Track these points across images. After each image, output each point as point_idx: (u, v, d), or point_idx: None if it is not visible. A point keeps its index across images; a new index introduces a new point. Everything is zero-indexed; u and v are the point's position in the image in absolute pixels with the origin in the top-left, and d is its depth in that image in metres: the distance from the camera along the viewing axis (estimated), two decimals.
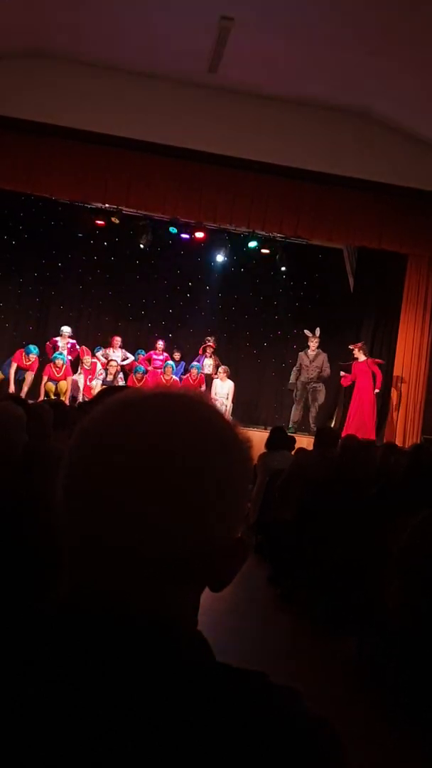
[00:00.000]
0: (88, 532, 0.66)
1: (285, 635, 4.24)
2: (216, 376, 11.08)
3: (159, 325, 12.31)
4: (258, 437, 7.62)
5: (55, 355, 10.67)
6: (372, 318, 11.65)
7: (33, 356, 10.55)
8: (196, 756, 0.59)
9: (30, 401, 6.70)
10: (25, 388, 10.40)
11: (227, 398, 10.87)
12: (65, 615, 0.65)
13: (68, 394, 10.50)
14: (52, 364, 10.57)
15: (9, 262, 11.94)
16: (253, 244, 11.55)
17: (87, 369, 10.91)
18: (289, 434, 7.70)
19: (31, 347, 10.61)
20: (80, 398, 10.33)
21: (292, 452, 6.74)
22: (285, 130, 9.19)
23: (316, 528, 4.48)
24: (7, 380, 10.46)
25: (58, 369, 10.55)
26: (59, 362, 10.55)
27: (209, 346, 11.46)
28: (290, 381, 11.16)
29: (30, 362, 10.53)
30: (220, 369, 11.13)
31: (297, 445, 7.16)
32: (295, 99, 9.05)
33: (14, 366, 10.52)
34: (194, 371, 11.04)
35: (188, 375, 11.09)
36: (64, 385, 10.57)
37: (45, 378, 10.53)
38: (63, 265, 12.17)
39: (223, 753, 0.59)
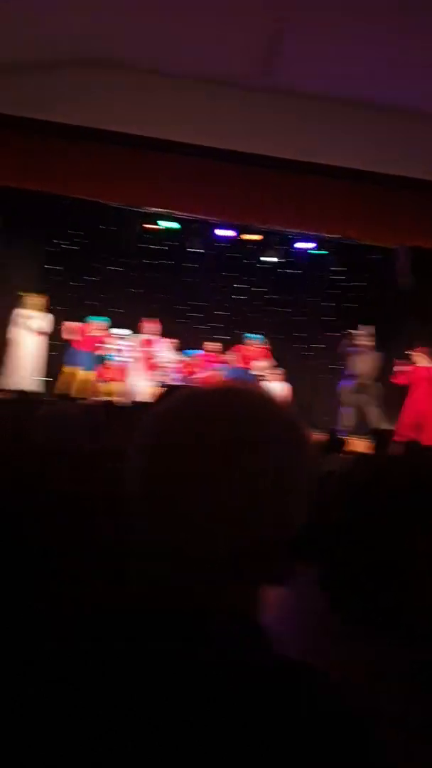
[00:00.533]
0: (153, 531, 0.69)
1: (333, 639, 4.20)
2: (269, 379, 11.07)
3: (208, 328, 12.35)
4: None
5: (107, 356, 10.84)
6: (428, 319, 11.43)
7: (102, 324, 10.69)
8: (256, 748, 0.60)
9: (84, 400, 6.85)
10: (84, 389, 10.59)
11: None
12: (132, 612, 0.67)
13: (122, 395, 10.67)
14: (104, 366, 10.75)
15: (68, 268, 12.19)
16: (306, 245, 11.50)
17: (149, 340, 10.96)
18: (340, 437, 7.64)
19: (97, 317, 10.78)
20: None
21: (343, 454, 6.69)
22: (339, 130, 9.13)
23: (367, 531, 4.44)
24: (90, 369, 10.64)
25: (111, 370, 10.73)
26: (112, 364, 10.74)
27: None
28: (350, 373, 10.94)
29: (102, 331, 10.70)
30: (274, 371, 11.11)
31: (350, 449, 7.10)
32: (350, 99, 8.99)
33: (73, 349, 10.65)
34: (255, 342, 11.14)
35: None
36: (117, 386, 10.74)
37: (98, 379, 10.73)
38: (119, 270, 12.35)
39: (282, 746, 0.60)
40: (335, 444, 6.98)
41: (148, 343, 11.15)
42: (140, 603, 0.67)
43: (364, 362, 10.79)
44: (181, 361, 11.37)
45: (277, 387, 10.96)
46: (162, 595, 0.66)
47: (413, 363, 10.26)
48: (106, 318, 10.93)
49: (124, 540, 0.76)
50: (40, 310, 10.50)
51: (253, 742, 0.60)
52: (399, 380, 10.39)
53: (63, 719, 0.62)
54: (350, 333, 10.91)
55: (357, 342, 10.82)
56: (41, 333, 10.47)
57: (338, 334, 12.38)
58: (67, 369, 10.73)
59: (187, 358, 11.27)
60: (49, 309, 10.78)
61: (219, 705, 0.61)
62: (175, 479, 0.67)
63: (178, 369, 11.20)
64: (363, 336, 10.83)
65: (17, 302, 10.68)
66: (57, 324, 11.58)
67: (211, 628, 0.65)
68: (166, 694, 0.61)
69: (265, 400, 0.73)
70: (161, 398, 2.19)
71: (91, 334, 10.82)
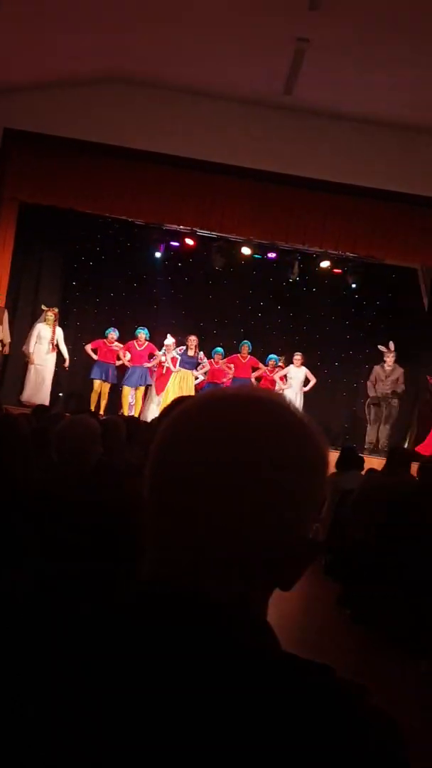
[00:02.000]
0: (166, 528, 0.69)
1: (355, 656, 4.16)
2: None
3: (231, 345, 12.37)
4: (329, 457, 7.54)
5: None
6: None
7: (113, 335, 11.00)
8: (254, 739, 0.60)
9: (105, 416, 6.88)
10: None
11: None
12: (142, 600, 0.68)
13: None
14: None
15: (86, 283, 12.31)
16: (325, 263, 11.51)
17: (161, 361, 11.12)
18: (359, 455, 7.60)
19: (110, 330, 11.08)
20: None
21: (362, 472, 6.65)
22: (360, 149, 9.18)
23: (392, 547, 4.40)
24: (111, 381, 10.90)
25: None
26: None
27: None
28: (370, 395, 11.05)
29: (112, 342, 10.96)
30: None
31: (368, 466, 7.06)
32: (370, 119, 9.04)
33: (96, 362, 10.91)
34: (272, 362, 11.40)
35: (268, 366, 11.41)
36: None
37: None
38: (138, 286, 12.43)
39: (284, 738, 0.60)
40: (354, 462, 6.95)
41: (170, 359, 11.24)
42: (150, 599, 0.67)
43: (386, 375, 10.80)
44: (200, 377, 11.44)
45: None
46: (173, 592, 0.67)
47: None
48: (112, 329, 11.19)
49: (137, 542, 0.75)
50: (53, 323, 10.64)
51: (261, 739, 0.59)
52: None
53: (67, 712, 0.62)
54: (378, 349, 10.92)
55: (385, 357, 10.85)
56: (54, 346, 10.60)
57: (352, 353, 12.41)
58: (95, 383, 10.90)
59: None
60: (60, 322, 10.93)
61: (227, 700, 0.61)
62: (179, 486, 0.68)
63: (200, 384, 11.27)
64: (385, 351, 10.84)
65: (38, 316, 10.82)
66: (75, 338, 11.74)
67: (221, 624, 0.65)
68: (172, 690, 0.62)
69: (277, 403, 0.72)
70: (170, 409, 2.20)
71: (112, 346, 10.99)
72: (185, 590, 0.66)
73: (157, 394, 11.01)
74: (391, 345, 10.84)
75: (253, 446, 0.68)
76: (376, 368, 10.95)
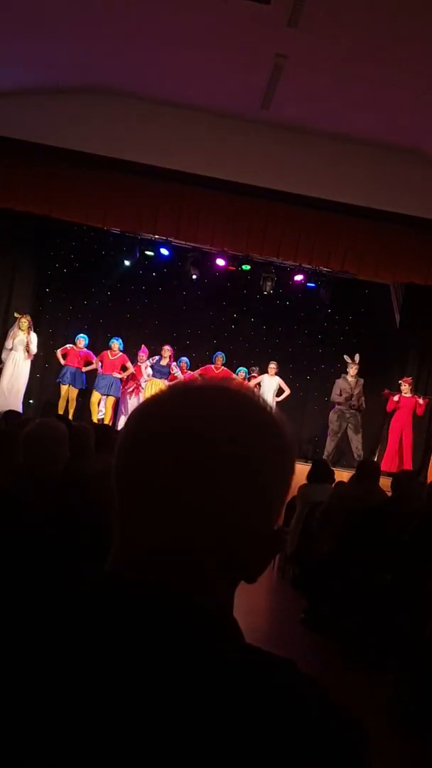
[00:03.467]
0: (131, 517, 0.68)
1: (320, 670, 4.15)
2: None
3: (203, 356, 12.39)
4: (300, 470, 7.55)
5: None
6: (417, 354, 11.54)
7: (82, 342, 11.01)
8: (220, 731, 0.59)
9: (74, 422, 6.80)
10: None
11: None
12: (104, 593, 0.67)
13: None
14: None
15: (60, 290, 12.25)
16: (299, 277, 11.60)
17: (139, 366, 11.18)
18: (330, 468, 7.62)
19: (80, 335, 11.12)
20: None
21: (333, 485, 6.67)
22: (335, 166, 9.28)
23: (356, 561, 4.41)
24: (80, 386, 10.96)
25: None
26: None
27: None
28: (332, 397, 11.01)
29: (81, 348, 11.02)
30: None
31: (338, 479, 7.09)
32: (346, 136, 9.15)
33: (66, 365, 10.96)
34: (242, 374, 11.47)
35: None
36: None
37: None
38: (111, 294, 12.40)
39: (251, 728, 0.60)
40: (326, 474, 6.96)
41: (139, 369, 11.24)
42: (114, 589, 0.66)
43: (351, 387, 10.85)
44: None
45: None
46: (137, 582, 0.66)
47: (400, 392, 10.44)
48: (83, 336, 11.18)
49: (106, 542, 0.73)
50: (27, 330, 10.56)
51: (229, 728, 0.59)
52: (389, 407, 10.61)
53: (43, 707, 0.61)
54: (345, 359, 10.98)
55: (348, 369, 10.90)
56: (28, 353, 10.51)
57: (324, 366, 12.49)
58: (62, 388, 10.89)
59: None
60: (34, 329, 10.87)
61: (191, 690, 0.60)
62: (145, 472, 0.68)
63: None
64: (349, 362, 10.90)
65: (10, 322, 10.72)
66: (47, 345, 11.66)
67: (186, 614, 0.65)
68: (135, 683, 0.61)
69: (245, 395, 0.72)
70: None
71: (79, 351, 11.04)
72: (149, 580, 0.65)
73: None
74: (357, 357, 10.88)
75: (220, 433, 0.67)
76: (339, 381, 10.93)
